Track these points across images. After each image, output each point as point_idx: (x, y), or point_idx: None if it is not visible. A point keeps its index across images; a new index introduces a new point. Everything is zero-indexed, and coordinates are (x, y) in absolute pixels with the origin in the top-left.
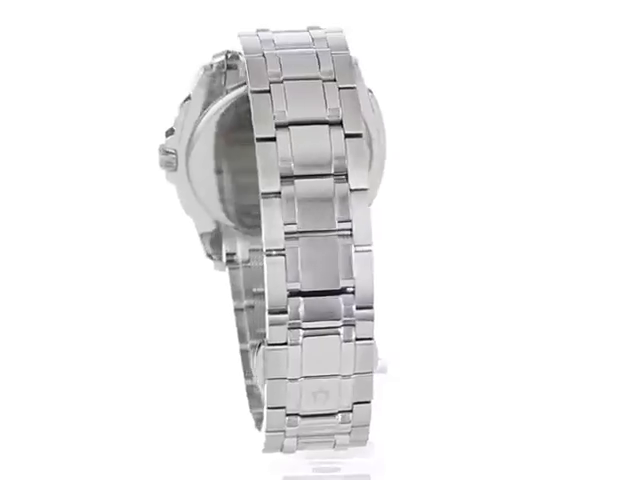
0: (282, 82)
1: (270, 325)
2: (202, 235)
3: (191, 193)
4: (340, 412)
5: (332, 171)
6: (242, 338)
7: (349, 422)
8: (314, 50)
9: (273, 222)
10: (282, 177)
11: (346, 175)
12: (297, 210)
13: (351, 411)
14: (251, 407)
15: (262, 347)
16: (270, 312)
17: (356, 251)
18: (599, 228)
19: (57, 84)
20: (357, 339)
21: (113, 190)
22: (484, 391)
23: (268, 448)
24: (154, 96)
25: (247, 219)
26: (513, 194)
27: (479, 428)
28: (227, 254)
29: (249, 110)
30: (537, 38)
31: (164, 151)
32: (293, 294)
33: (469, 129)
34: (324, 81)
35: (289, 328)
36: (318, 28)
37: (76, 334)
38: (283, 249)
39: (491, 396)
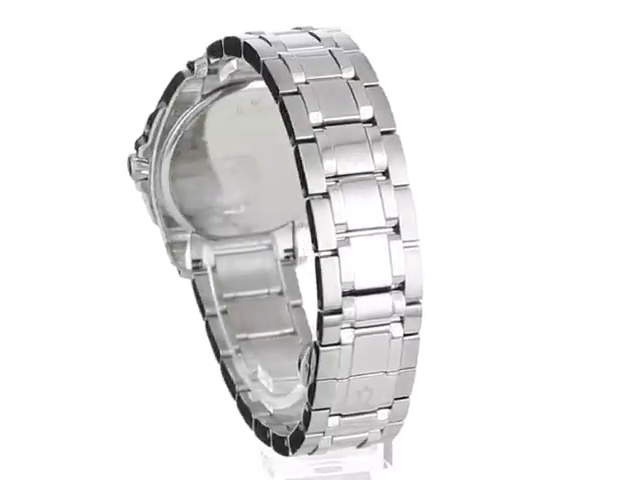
0: (308, 83)
1: (326, 326)
2: (167, 244)
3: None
4: (380, 409)
5: (374, 169)
6: (222, 344)
7: (387, 418)
8: (326, 50)
9: (324, 223)
10: (327, 177)
11: (387, 172)
12: (346, 209)
13: (390, 407)
14: (254, 412)
15: (308, 348)
16: (325, 313)
17: (404, 247)
18: (603, 224)
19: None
20: (405, 335)
21: (84, 195)
22: (486, 389)
23: (302, 450)
24: (127, 101)
25: (196, 222)
26: (514, 191)
27: (480, 426)
28: (193, 261)
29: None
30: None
31: (136, 161)
32: (346, 293)
33: (462, 126)
34: (348, 80)
35: (342, 328)
36: (313, 28)
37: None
38: (336, 249)
39: (493, 395)
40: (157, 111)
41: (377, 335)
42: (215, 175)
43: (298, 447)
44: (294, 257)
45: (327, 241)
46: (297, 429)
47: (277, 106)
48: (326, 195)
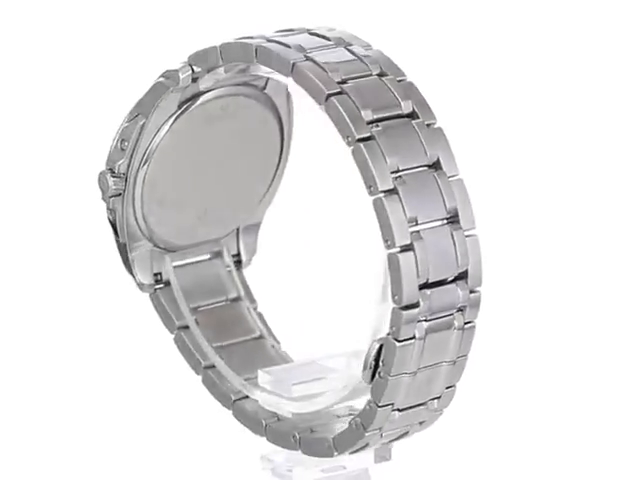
0: (346, 82)
1: (405, 322)
2: (132, 260)
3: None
4: (430, 399)
5: (429, 162)
6: (202, 355)
7: (435, 408)
8: (343, 49)
9: (398, 218)
10: (391, 173)
11: (438, 163)
12: (414, 204)
13: (440, 397)
14: (263, 418)
15: (377, 345)
16: (404, 308)
17: (465, 236)
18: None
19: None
20: (464, 323)
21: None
22: (486, 389)
23: (351, 449)
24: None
25: (160, 234)
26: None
27: (480, 425)
28: (155, 274)
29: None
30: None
31: (113, 176)
32: (421, 287)
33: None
34: (379, 76)
35: (417, 321)
36: (309, 28)
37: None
38: (410, 244)
39: (493, 395)
40: (135, 123)
41: (444, 326)
42: (182, 185)
43: (350, 446)
44: (239, 262)
45: (402, 236)
46: (351, 427)
47: (245, 110)
48: (394, 191)
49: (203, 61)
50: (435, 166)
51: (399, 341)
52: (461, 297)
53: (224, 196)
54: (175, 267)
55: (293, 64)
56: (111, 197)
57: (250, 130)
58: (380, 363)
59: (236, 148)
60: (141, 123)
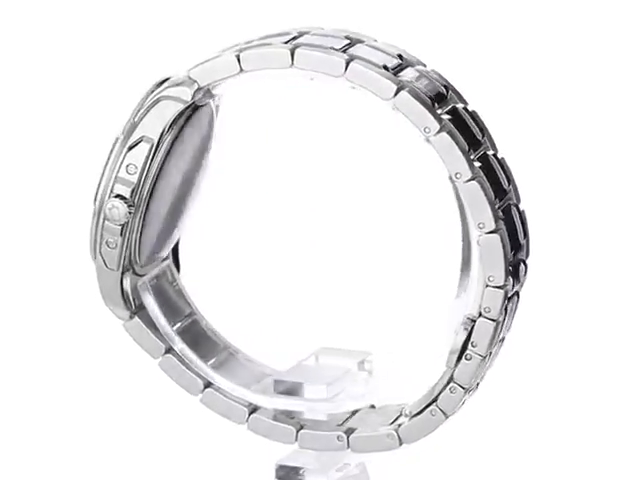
0: (398, 75)
1: (502, 302)
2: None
3: None
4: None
5: (483, 143)
6: (198, 374)
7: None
8: (364, 45)
9: (490, 201)
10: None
11: (487, 144)
12: (493, 185)
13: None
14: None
15: (466, 329)
16: (502, 287)
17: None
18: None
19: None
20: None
21: None
22: (487, 390)
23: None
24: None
25: (148, 257)
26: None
27: (480, 425)
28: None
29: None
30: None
31: (125, 204)
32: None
33: None
34: (411, 67)
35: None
36: (307, 31)
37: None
38: (502, 223)
39: (493, 395)
40: (142, 146)
41: (514, 301)
42: (162, 203)
43: (422, 436)
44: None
45: (495, 217)
46: (429, 415)
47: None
48: (477, 174)
49: (214, 74)
50: (486, 146)
51: (494, 320)
52: (523, 270)
53: (174, 209)
54: (151, 286)
55: (347, 63)
56: (120, 225)
57: (197, 139)
58: (469, 345)
59: (186, 157)
60: (149, 145)
